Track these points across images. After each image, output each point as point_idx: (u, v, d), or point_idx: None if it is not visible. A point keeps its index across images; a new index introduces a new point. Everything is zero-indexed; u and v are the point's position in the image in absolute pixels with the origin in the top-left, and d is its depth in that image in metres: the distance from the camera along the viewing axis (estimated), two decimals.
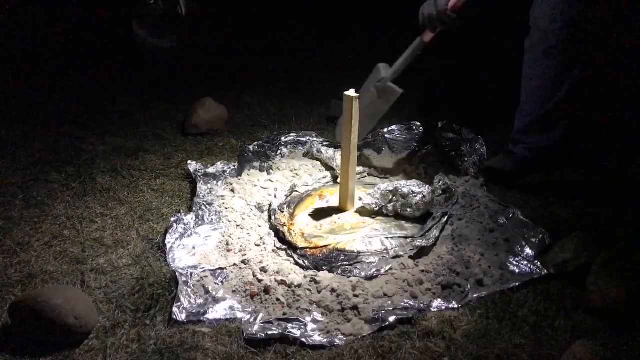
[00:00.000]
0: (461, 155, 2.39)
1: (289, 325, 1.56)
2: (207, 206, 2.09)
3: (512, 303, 1.65)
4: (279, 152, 2.52)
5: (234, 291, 1.70)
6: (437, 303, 1.65)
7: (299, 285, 1.70)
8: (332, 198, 2.15)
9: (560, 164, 2.36)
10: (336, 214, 2.06)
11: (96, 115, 2.89)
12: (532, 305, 1.63)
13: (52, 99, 3.02)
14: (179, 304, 1.61)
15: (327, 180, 2.31)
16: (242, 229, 1.98)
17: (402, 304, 1.63)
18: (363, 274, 1.75)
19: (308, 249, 1.86)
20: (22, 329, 1.51)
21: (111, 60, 3.42)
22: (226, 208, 2.09)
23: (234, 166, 2.38)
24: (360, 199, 2.06)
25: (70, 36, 3.46)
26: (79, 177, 2.32)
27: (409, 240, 1.89)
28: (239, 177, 2.31)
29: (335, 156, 2.38)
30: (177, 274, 1.72)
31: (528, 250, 1.84)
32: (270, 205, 2.09)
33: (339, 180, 2.13)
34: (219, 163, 2.38)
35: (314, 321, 1.58)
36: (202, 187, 2.20)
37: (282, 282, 1.71)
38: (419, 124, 2.68)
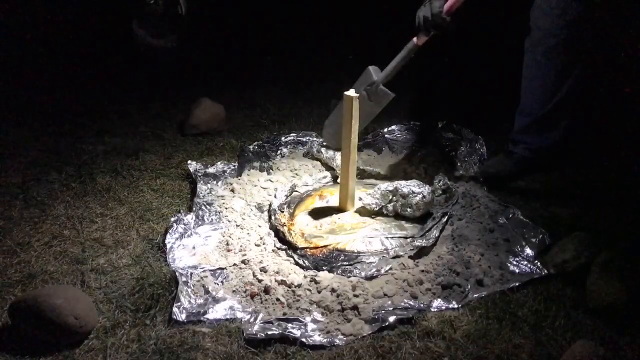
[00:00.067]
0: (461, 155, 2.40)
1: (289, 325, 1.56)
2: (207, 206, 2.09)
3: (512, 303, 1.65)
4: (279, 152, 2.52)
5: (234, 291, 1.70)
6: (437, 303, 1.65)
7: (299, 285, 1.70)
8: (332, 198, 2.15)
9: (560, 164, 2.36)
10: (336, 214, 2.06)
11: (96, 115, 2.89)
12: (532, 305, 1.63)
13: (52, 99, 3.02)
14: (179, 304, 1.61)
15: (327, 180, 2.31)
16: (242, 229, 1.98)
17: (402, 304, 1.63)
18: (363, 274, 1.75)
19: (308, 249, 1.86)
20: (22, 329, 1.51)
21: (111, 60, 3.42)
22: (226, 208, 2.09)
23: (234, 166, 2.38)
24: (360, 199, 2.06)
25: (70, 36, 3.46)
26: (79, 177, 2.32)
27: (409, 240, 1.89)
28: (239, 177, 2.31)
29: (335, 156, 2.38)
30: (177, 274, 1.72)
31: (528, 250, 1.84)
32: (270, 205, 2.09)
33: (339, 180, 2.13)
34: (219, 163, 2.38)
35: (314, 321, 1.58)
36: (202, 187, 2.20)
37: (282, 282, 1.71)
38: (419, 124, 2.68)
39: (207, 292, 1.68)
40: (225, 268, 1.79)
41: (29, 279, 1.74)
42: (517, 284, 1.71)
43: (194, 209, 2.07)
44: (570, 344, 1.46)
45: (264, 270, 1.76)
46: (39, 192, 2.21)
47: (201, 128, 2.70)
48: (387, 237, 1.91)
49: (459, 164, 2.35)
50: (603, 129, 2.58)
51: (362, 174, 2.33)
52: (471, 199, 2.12)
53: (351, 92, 1.90)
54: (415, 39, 1.95)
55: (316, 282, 1.71)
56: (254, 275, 1.74)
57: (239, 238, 1.93)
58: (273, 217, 2.01)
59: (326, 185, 2.28)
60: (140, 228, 2.01)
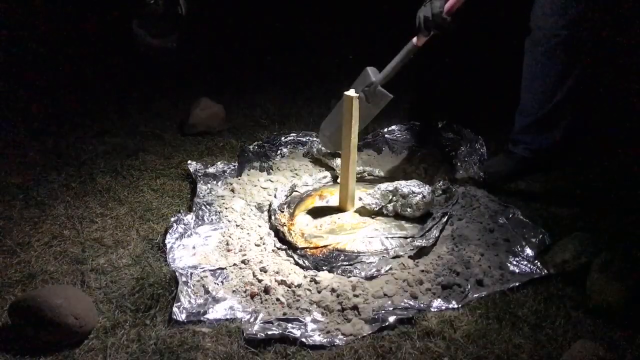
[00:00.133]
0: (461, 155, 2.40)
1: (289, 325, 1.56)
2: (207, 206, 2.09)
3: (512, 303, 1.65)
4: (279, 152, 2.52)
5: (234, 291, 1.70)
6: (437, 303, 1.64)
7: (299, 285, 1.70)
8: (332, 198, 2.15)
9: (560, 164, 2.36)
10: (336, 214, 2.06)
11: (96, 115, 2.89)
12: (532, 305, 1.63)
13: (52, 99, 3.02)
14: (179, 304, 1.61)
15: (327, 180, 2.31)
16: (242, 229, 1.98)
17: (402, 304, 1.63)
18: (363, 274, 1.75)
19: (308, 249, 1.86)
20: (22, 329, 1.51)
21: (111, 60, 3.42)
22: (226, 208, 2.09)
23: (234, 166, 2.38)
24: (360, 199, 2.06)
25: (70, 36, 3.46)
26: (79, 177, 2.32)
27: (409, 240, 1.89)
28: (239, 177, 2.31)
29: (335, 156, 2.38)
30: (177, 274, 1.72)
31: (528, 250, 1.84)
32: (270, 205, 2.09)
33: (339, 180, 2.13)
34: (219, 163, 2.38)
35: (314, 321, 1.58)
36: (202, 187, 2.20)
37: (282, 282, 1.71)
38: (419, 124, 2.68)
39: (207, 292, 1.68)
40: (225, 268, 1.79)
41: (29, 279, 1.74)
42: (517, 284, 1.71)
43: (194, 209, 2.07)
44: (570, 344, 1.47)
45: (264, 270, 1.76)
46: (39, 192, 2.21)
47: (201, 127, 2.70)
48: (387, 237, 1.91)
49: (459, 164, 2.35)
50: (603, 129, 2.58)
51: (362, 174, 2.33)
52: (471, 199, 2.12)
53: (351, 92, 1.90)
54: (414, 39, 1.94)
55: (316, 282, 1.71)
56: (254, 275, 1.74)
57: (239, 238, 1.93)
58: (273, 217, 2.01)
59: (326, 185, 2.28)
60: (140, 228, 2.00)
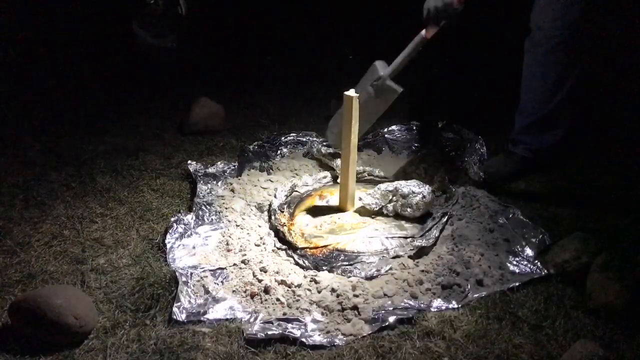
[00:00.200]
0: (461, 155, 2.40)
1: (289, 325, 1.56)
2: (207, 206, 2.09)
3: (512, 303, 1.65)
4: (279, 152, 2.52)
5: (234, 291, 1.70)
6: (437, 303, 1.65)
7: (299, 285, 1.70)
8: (332, 198, 2.15)
9: (560, 164, 2.36)
10: (336, 214, 2.06)
11: (96, 115, 2.89)
12: (532, 305, 1.63)
13: (52, 99, 3.02)
14: (179, 304, 1.61)
15: (327, 180, 2.31)
16: (242, 229, 1.98)
17: (402, 304, 1.63)
18: (363, 274, 1.75)
19: (308, 249, 1.86)
20: (22, 329, 1.51)
21: (111, 60, 3.42)
22: (226, 208, 2.09)
23: (234, 166, 2.38)
24: (360, 199, 2.06)
25: (71, 36, 3.46)
26: (79, 177, 2.32)
27: (409, 240, 1.89)
28: (239, 177, 2.31)
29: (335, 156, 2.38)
30: (177, 274, 1.72)
31: (528, 250, 1.84)
32: (270, 205, 2.09)
33: (339, 180, 2.13)
34: (219, 163, 2.38)
35: (314, 321, 1.58)
36: (202, 187, 2.20)
37: (282, 282, 1.71)
38: (418, 124, 2.68)
39: (207, 292, 1.68)
40: (225, 268, 1.79)
41: (29, 279, 1.74)
42: (517, 284, 1.71)
43: (194, 209, 2.07)
44: (570, 344, 1.47)
45: (264, 270, 1.76)
46: (39, 192, 2.21)
47: (200, 126, 2.70)
48: (387, 237, 1.91)
49: (461, 165, 2.34)
50: (603, 129, 2.58)
51: (362, 174, 2.33)
52: (471, 199, 2.12)
53: (351, 92, 1.90)
54: (423, 31, 1.91)
55: (316, 282, 1.71)
56: (254, 275, 1.74)
57: (239, 238, 1.93)
58: (273, 217, 2.01)
59: (326, 185, 2.28)
60: (140, 228, 2.00)
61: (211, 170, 2.33)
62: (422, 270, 1.77)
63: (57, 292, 1.54)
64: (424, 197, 1.97)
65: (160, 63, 3.47)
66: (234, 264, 1.80)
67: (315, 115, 2.90)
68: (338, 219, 2.03)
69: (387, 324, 1.56)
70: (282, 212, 2.06)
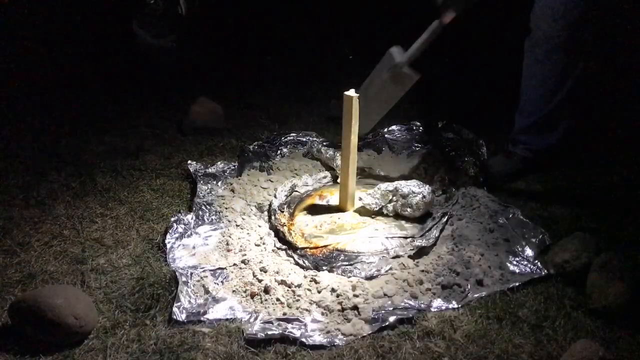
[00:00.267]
0: (461, 155, 2.40)
1: (289, 325, 1.56)
2: (207, 206, 2.09)
3: (512, 303, 1.65)
4: (279, 152, 2.52)
5: (234, 291, 1.70)
6: (437, 303, 1.65)
7: (299, 285, 1.70)
8: (332, 198, 2.15)
9: (560, 164, 2.36)
10: (336, 213, 2.06)
11: (96, 115, 2.89)
12: (532, 305, 1.63)
13: (52, 99, 3.02)
14: (179, 304, 1.61)
15: (327, 180, 2.31)
16: (242, 229, 1.98)
17: (402, 304, 1.63)
18: (363, 274, 1.75)
19: (308, 249, 1.86)
20: (22, 329, 1.51)
21: (111, 60, 3.42)
22: (226, 208, 2.09)
23: (234, 166, 2.38)
24: (360, 199, 2.06)
25: (70, 36, 3.46)
26: (79, 177, 2.32)
27: (409, 240, 1.89)
28: (239, 177, 2.31)
29: (335, 156, 2.38)
30: (177, 274, 1.72)
31: (528, 250, 1.84)
32: (270, 205, 2.09)
33: (339, 180, 2.13)
34: (219, 163, 2.38)
35: (314, 321, 1.58)
36: (202, 187, 2.20)
37: (282, 282, 1.71)
38: (419, 124, 2.68)
39: (207, 292, 1.68)
40: (225, 268, 1.79)
41: (29, 279, 1.74)
42: (517, 284, 1.71)
43: (194, 209, 2.07)
44: (570, 344, 1.47)
45: (264, 270, 1.76)
46: (39, 192, 2.21)
47: (199, 123, 2.71)
48: (387, 237, 1.91)
49: (461, 165, 2.34)
50: (603, 129, 2.58)
51: (362, 174, 2.33)
52: (471, 199, 2.12)
53: (351, 92, 1.90)
54: (441, 19, 1.86)
55: (316, 282, 1.71)
56: (254, 275, 1.74)
57: (239, 238, 1.93)
58: (273, 217, 2.01)
59: (326, 185, 2.28)
60: (140, 228, 2.00)
61: (211, 170, 2.33)
62: (422, 270, 1.77)
63: (57, 292, 1.54)
64: (424, 197, 1.97)
65: (160, 63, 3.47)
66: (234, 264, 1.80)
67: (315, 115, 2.90)
68: (338, 219, 2.03)
69: (387, 324, 1.56)
70: (282, 212, 2.06)
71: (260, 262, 1.79)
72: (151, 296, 1.66)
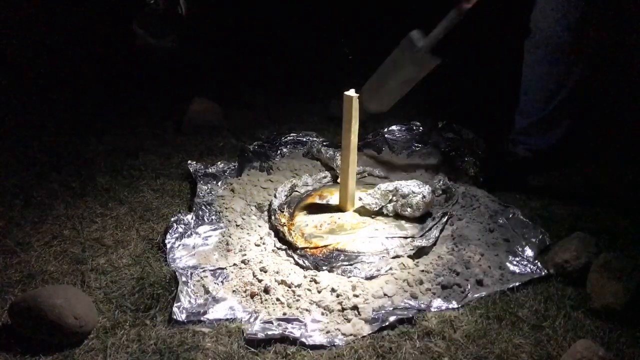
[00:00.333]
0: (461, 155, 2.40)
1: (289, 325, 1.56)
2: (207, 206, 2.09)
3: (512, 303, 1.65)
4: (279, 152, 2.52)
5: (234, 291, 1.70)
6: (437, 303, 1.65)
7: (299, 285, 1.70)
8: (332, 198, 2.15)
9: (560, 164, 2.36)
10: (336, 213, 2.06)
11: (96, 115, 2.89)
12: (532, 305, 1.63)
13: (52, 99, 3.02)
14: (179, 304, 1.61)
15: (327, 180, 2.31)
16: (242, 229, 1.98)
17: (402, 304, 1.63)
18: (363, 274, 1.75)
19: (308, 249, 1.86)
20: (22, 329, 1.51)
21: (111, 60, 3.42)
22: (226, 208, 2.09)
23: (234, 166, 2.38)
24: (360, 199, 2.06)
25: (70, 36, 3.46)
26: (79, 177, 2.32)
27: (409, 240, 1.89)
28: (239, 177, 2.31)
29: (335, 156, 2.38)
30: (177, 274, 1.72)
31: (528, 250, 1.84)
32: (270, 205, 2.09)
33: (339, 180, 2.13)
34: (219, 163, 2.38)
35: (314, 321, 1.58)
36: (202, 187, 2.20)
37: (282, 282, 1.71)
38: (419, 124, 2.68)
39: (207, 292, 1.68)
40: (225, 268, 1.79)
41: (29, 279, 1.74)
42: (517, 284, 1.71)
43: (194, 209, 2.07)
44: (570, 344, 1.46)
45: (264, 270, 1.76)
46: (39, 192, 2.21)
47: (198, 124, 2.71)
48: (387, 237, 1.91)
49: (461, 165, 2.35)
50: (603, 129, 2.58)
51: (362, 174, 2.33)
52: (471, 199, 2.12)
53: (351, 92, 1.90)
54: (459, 6, 1.86)
55: (316, 282, 1.71)
56: (254, 275, 1.74)
57: (239, 238, 1.93)
58: (273, 217, 2.01)
59: (326, 185, 2.28)
60: (140, 228, 2.01)
61: (211, 170, 2.33)
62: (422, 270, 1.77)
63: (57, 292, 1.54)
64: (424, 197, 1.97)
65: (160, 63, 3.47)
66: (234, 264, 1.80)
67: (315, 115, 2.90)
68: (338, 219, 2.03)
69: (387, 324, 1.56)
70: (282, 212, 2.06)
71: (260, 262, 1.79)
72: (151, 296, 1.66)
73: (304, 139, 2.59)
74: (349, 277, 1.74)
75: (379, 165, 2.42)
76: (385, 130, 2.64)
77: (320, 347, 1.50)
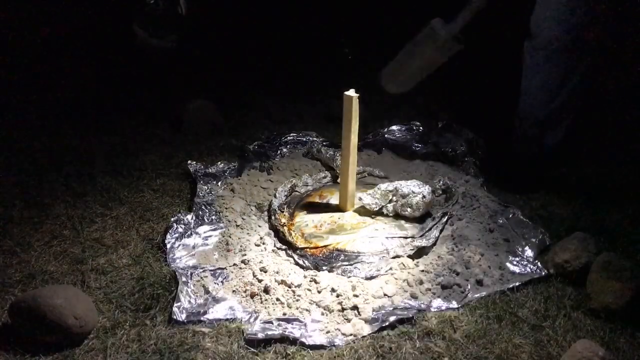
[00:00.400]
0: (461, 155, 2.40)
1: (289, 325, 1.56)
2: (207, 206, 2.09)
3: (512, 303, 1.65)
4: (279, 152, 2.52)
5: (234, 291, 1.70)
6: (437, 303, 1.65)
7: (299, 285, 1.70)
8: (332, 198, 2.15)
9: (561, 163, 2.36)
10: (336, 213, 2.06)
11: (96, 114, 2.89)
12: (532, 305, 1.63)
13: (52, 99, 3.02)
14: (179, 304, 1.62)
15: (327, 180, 2.31)
16: (242, 229, 1.98)
17: (402, 304, 1.63)
18: (363, 274, 1.75)
19: (308, 249, 1.86)
20: (22, 329, 1.51)
21: (111, 60, 3.42)
22: (226, 208, 2.09)
23: (234, 166, 2.38)
24: (360, 199, 2.06)
25: (70, 36, 3.46)
26: (79, 177, 2.32)
27: (409, 240, 1.89)
28: (239, 177, 2.31)
29: (335, 156, 2.38)
30: (177, 274, 1.72)
31: (528, 250, 1.84)
32: (270, 205, 2.09)
33: (339, 180, 2.13)
34: (219, 163, 2.38)
35: (314, 321, 1.58)
36: (202, 187, 2.20)
37: (282, 282, 1.71)
38: (419, 124, 2.68)
39: (207, 292, 1.69)
40: (225, 268, 1.79)
41: (29, 279, 1.74)
42: (517, 284, 1.71)
43: (194, 209, 2.07)
44: (570, 344, 1.47)
45: (264, 270, 1.76)
46: (39, 192, 2.21)
47: (198, 124, 2.71)
48: (387, 237, 1.91)
49: (461, 165, 2.34)
50: (603, 129, 2.58)
51: (362, 174, 2.33)
52: (471, 199, 2.12)
53: (351, 92, 1.90)
54: None
55: (316, 282, 1.71)
56: (254, 275, 1.74)
57: (239, 238, 1.93)
58: (273, 217, 2.01)
59: (326, 185, 2.28)
60: (140, 228, 2.01)
61: (211, 170, 2.33)
62: (422, 270, 1.77)
63: (57, 292, 1.54)
64: (424, 197, 1.97)
65: (160, 63, 3.47)
66: (234, 264, 1.80)
67: (315, 115, 2.90)
68: (338, 219, 2.03)
69: (387, 324, 1.56)
70: (282, 212, 2.06)
71: (260, 262, 1.79)
72: (151, 296, 1.66)
73: (304, 139, 2.59)
74: (349, 277, 1.74)
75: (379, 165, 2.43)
76: (385, 130, 2.64)
77: (320, 347, 1.50)
